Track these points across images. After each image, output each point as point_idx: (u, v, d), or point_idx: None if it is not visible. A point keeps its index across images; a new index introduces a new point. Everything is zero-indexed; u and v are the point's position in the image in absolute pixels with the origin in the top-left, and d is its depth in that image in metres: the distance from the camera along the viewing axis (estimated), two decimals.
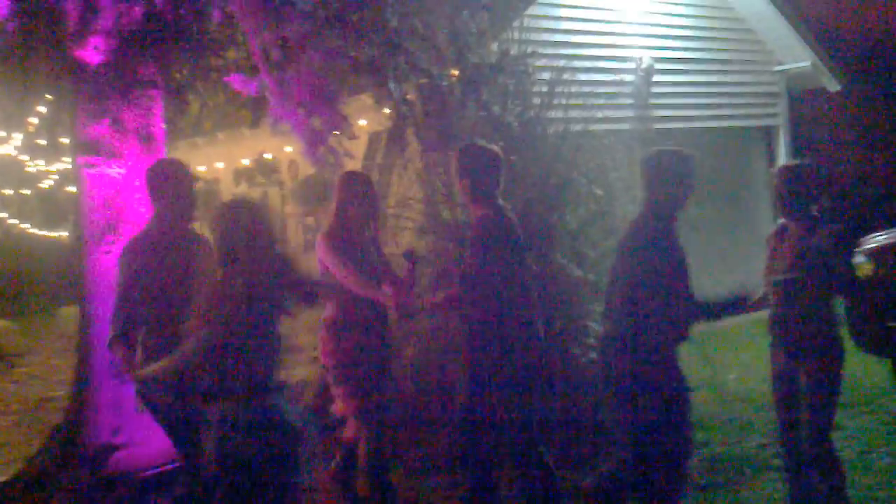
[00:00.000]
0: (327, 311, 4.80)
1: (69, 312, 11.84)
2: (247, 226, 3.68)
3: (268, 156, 11.21)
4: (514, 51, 6.28)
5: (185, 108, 6.22)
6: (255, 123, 9.55)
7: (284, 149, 10.45)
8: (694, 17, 10.85)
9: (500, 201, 4.43)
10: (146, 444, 5.45)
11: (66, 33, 5.31)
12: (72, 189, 6.23)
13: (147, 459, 5.47)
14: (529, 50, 6.39)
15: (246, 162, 11.58)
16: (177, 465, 4.77)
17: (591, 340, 6.11)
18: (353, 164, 7.27)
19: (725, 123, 11.31)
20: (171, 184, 4.42)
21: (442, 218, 6.40)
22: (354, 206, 4.79)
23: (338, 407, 4.90)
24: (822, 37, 11.69)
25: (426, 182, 6.54)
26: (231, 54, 6.35)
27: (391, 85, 5.37)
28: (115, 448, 5.55)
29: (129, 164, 5.44)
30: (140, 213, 5.37)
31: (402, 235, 6.64)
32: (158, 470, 5.42)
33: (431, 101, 5.83)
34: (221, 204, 4.32)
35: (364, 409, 4.73)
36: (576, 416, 5.68)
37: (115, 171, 5.42)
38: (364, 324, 4.73)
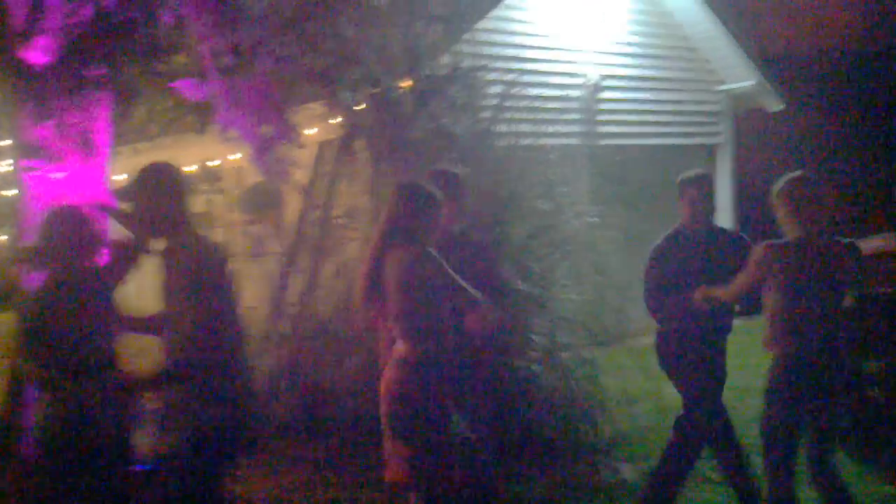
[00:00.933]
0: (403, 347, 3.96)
1: (3, 319, 11.56)
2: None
3: (213, 163, 11.08)
4: (465, 63, 6.32)
5: (131, 112, 6.13)
6: (201, 129, 9.45)
7: (230, 156, 10.35)
8: (641, 36, 11.01)
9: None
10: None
11: (11, 32, 5.20)
12: (12, 192, 6.11)
13: None
14: (481, 63, 6.44)
15: (191, 168, 11.43)
16: None
17: (535, 354, 6.18)
18: (301, 174, 7.25)
19: (670, 141, 11.49)
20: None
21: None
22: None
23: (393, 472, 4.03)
24: (765, 57, 11.95)
25: (375, 193, 6.54)
26: (180, 59, 6.29)
27: (344, 94, 5.37)
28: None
29: (72, 168, 5.35)
30: None
31: (350, 246, 6.64)
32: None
33: (383, 112, 5.84)
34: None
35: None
36: (518, 429, 5.73)
37: (58, 174, 5.32)
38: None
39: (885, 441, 5.89)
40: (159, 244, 3.72)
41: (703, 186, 4.79)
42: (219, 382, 3.53)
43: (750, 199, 10.94)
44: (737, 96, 12.11)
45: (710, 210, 4.81)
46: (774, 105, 12.17)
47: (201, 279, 3.51)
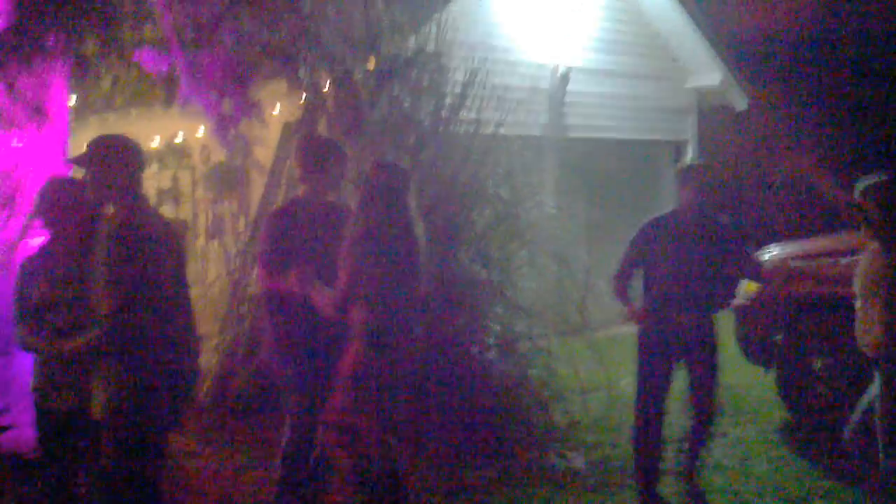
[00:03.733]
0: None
1: None
2: None
3: (179, 139, 11.00)
4: (430, 47, 6.28)
5: (90, 82, 6.05)
6: (167, 102, 9.35)
7: (197, 131, 10.27)
8: (611, 29, 11.04)
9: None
10: (33, 425, 5.29)
11: None
12: None
13: (33, 441, 5.32)
14: (446, 48, 6.41)
15: (157, 143, 11.33)
16: None
17: (491, 340, 6.20)
18: (265, 152, 7.20)
19: (636, 136, 11.54)
20: None
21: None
22: None
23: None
24: (732, 56, 12.03)
25: None
26: (145, 30, 6.21)
27: (302, 72, 5.33)
28: (2, 429, 5.38)
29: (28, 136, 5.27)
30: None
31: None
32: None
33: (343, 93, 5.80)
34: None
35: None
36: (475, 415, 5.74)
37: (14, 142, 5.24)
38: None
39: (829, 436, 5.99)
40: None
41: (707, 174, 5.01)
42: (142, 356, 3.59)
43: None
44: (704, 93, 12.19)
45: (709, 197, 5.00)
46: (740, 103, 12.26)
47: (119, 249, 3.55)
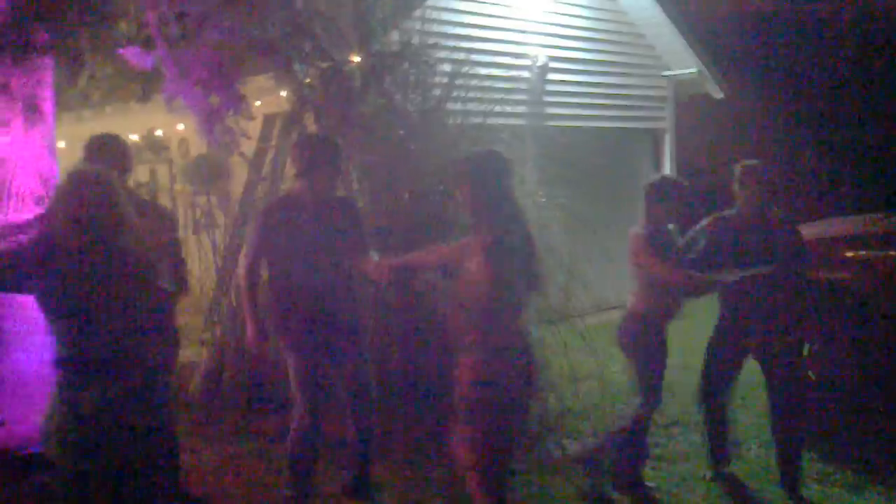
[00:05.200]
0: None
1: None
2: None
3: (158, 132, 10.92)
4: (416, 40, 6.30)
5: (75, 79, 6.00)
6: (144, 98, 9.26)
7: (176, 126, 10.20)
8: (589, 20, 11.10)
9: None
10: (24, 421, 5.26)
11: None
12: None
13: (25, 438, 5.29)
14: (431, 41, 6.42)
15: (135, 137, 11.24)
16: None
17: None
18: (250, 145, 7.18)
19: (615, 124, 11.61)
20: None
21: None
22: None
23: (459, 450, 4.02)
24: (709, 46, 12.13)
25: None
26: (126, 26, 6.16)
27: (295, 67, 5.31)
28: None
29: (16, 133, 5.22)
30: (29, 185, 5.17)
31: None
32: (37, 449, 5.24)
33: (332, 86, 5.80)
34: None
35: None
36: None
37: (1, 139, 5.19)
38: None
39: (817, 419, 6.08)
40: None
41: (765, 174, 4.99)
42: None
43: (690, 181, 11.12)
44: (680, 83, 12.28)
45: (769, 197, 5.01)
46: (716, 93, 12.37)
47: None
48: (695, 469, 5.43)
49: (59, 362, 3.40)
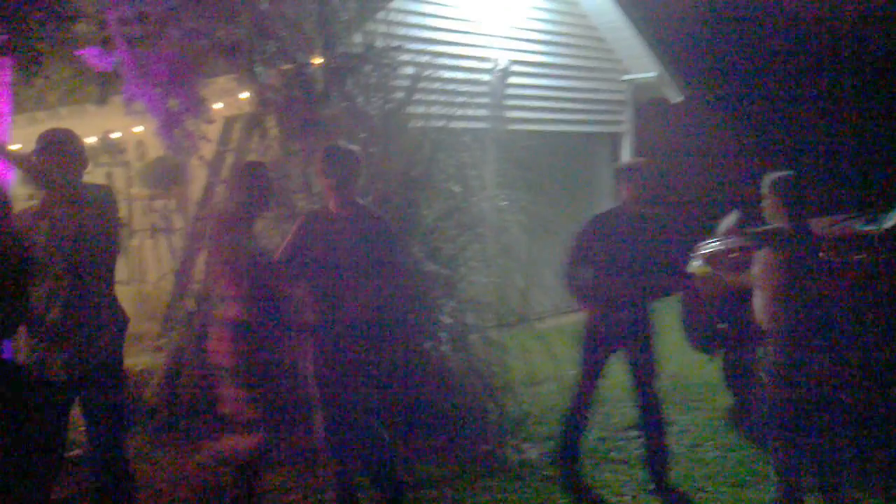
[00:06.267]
0: (231, 310, 4.54)
1: None
2: None
3: (115, 135, 10.77)
4: (378, 43, 6.28)
5: (31, 80, 5.91)
6: (101, 100, 9.13)
7: (133, 129, 10.07)
8: (550, 23, 11.14)
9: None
10: None
11: None
12: None
13: None
14: (394, 44, 6.42)
15: (91, 140, 11.09)
16: None
17: (444, 334, 6.22)
18: (209, 148, 7.11)
19: (575, 128, 11.68)
20: None
21: (298, 208, 6.34)
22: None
23: (229, 409, 4.59)
24: (668, 50, 12.24)
25: (283, 170, 6.45)
26: (85, 27, 6.08)
27: (257, 69, 5.28)
28: None
29: None
30: None
31: (256, 223, 6.53)
32: None
33: (295, 89, 5.77)
34: None
35: (264, 416, 4.54)
36: (426, 409, 5.77)
37: None
38: (271, 325, 4.54)
39: (768, 420, 6.16)
40: None
41: (650, 172, 5.22)
42: None
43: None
44: (640, 86, 12.38)
45: (651, 194, 5.21)
46: (675, 97, 12.48)
47: None
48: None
49: None
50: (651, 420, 5.23)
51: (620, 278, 5.11)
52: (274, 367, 4.56)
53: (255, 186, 4.58)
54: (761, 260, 4.51)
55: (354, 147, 4.71)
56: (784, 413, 4.44)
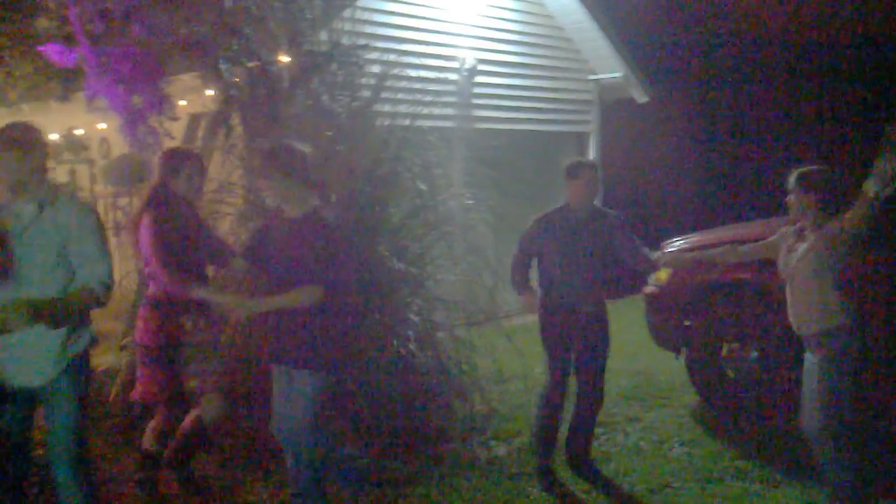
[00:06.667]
0: (152, 288, 4.69)
1: None
2: None
3: (78, 132, 10.66)
4: (345, 41, 6.25)
5: None
6: (64, 97, 9.04)
7: (96, 126, 9.97)
8: (517, 23, 11.15)
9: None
10: None
11: None
12: None
13: None
14: (361, 42, 6.39)
15: (54, 137, 10.96)
16: None
17: (411, 333, 6.21)
18: (173, 145, 7.03)
19: (542, 128, 11.70)
20: None
21: (265, 205, 6.29)
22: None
23: (140, 391, 4.79)
24: (635, 50, 12.31)
25: (249, 168, 6.40)
26: (45, 22, 6.01)
27: (222, 66, 5.24)
28: None
29: None
30: None
31: (223, 221, 6.48)
32: None
33: (260, 86, 5.73)
34: None
35: (175, 396, 4.72)
36: (393, 408, 5.76)
37: None
38: (191, 305, 4.64)
39: (737, 416, 6.23)
40: None
41: (595, 171, 5.32)
42: None
43: (614, 183, 11.31)
44: (606, 87, 12.44)
45: (596, 192, 5.36)
46: (641, 97, 12.56)
47: None
48: (618, 468, 5.50)
49: None
50: (584, 411, 5.38)
51: (567, 278, 5.19)
52: (187, 347, 4.71)
53: (178, 168, 4.75)
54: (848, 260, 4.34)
55: (303, 146, 4.52)
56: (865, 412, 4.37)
